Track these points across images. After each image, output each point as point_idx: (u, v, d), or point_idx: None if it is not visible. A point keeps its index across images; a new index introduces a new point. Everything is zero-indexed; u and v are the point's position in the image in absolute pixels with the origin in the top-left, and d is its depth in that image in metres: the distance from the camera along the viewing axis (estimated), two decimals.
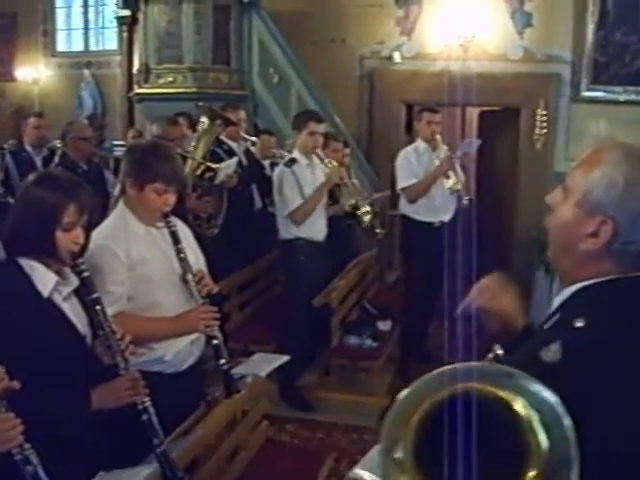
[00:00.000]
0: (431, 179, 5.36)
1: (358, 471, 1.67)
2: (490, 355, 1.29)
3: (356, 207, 5.34)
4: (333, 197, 5.36)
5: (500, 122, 8.38)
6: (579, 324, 1.25)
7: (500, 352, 1.28)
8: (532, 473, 1.09)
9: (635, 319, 1.26)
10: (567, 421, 1.09)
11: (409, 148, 5.66)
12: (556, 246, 1.42)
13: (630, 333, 1.24)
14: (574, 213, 1.35)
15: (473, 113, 9.73)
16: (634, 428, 1.17)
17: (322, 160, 4.99)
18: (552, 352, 1.23)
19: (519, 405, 1.12)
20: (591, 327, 1.24)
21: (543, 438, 1.10)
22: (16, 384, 1.77)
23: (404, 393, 1.20)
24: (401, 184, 5.46)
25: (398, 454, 1.17)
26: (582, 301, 1.33)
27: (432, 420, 1.17)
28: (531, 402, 1.12)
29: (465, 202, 5.38)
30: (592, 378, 1.19)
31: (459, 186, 5.36)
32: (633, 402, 1.19)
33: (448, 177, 5.37)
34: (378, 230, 5.65)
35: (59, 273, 2.31)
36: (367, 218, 5.33)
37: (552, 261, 1.46)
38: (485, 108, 8.74)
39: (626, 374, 1.19)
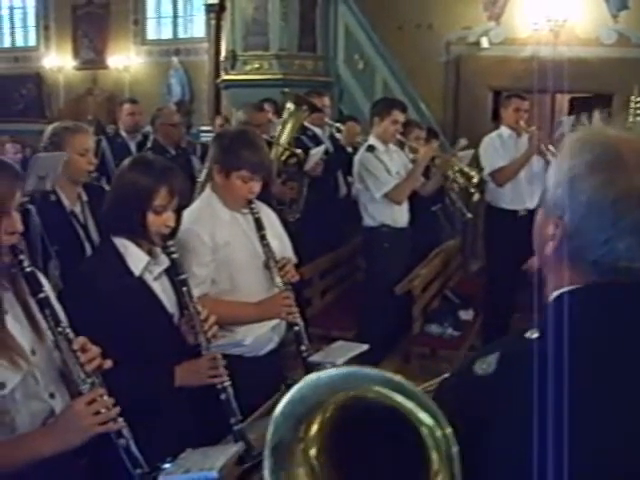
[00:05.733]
0: (522, 160, 5.25)
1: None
2: None
3: (462, 172, 5.26)
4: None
5: (591, 109, 8.12)
6: (533, 336, 1.12)
7: None
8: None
9: (586, 334, 1.09)
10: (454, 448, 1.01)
11: (493, 134, 5.57)
12: (536, 251, 1.25)
13: (579, 350, 1.07)
14: (541, 213, 1.22)
15: (563, 100, 9.47)
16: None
17: (404, 145, 4.97)
18: (486, 364, 1.13)
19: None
20: (541, 340, 1.10)
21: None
22: (109, 363, 1.83)
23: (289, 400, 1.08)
24: (489, 169, 5.37)
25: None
26: (546, 313, 1.16)
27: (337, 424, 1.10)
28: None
29: None
30: (517, 395, 1.07)
31: None
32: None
33: (548, 162, 5.26)
34: (465, 212, 5.59)
35: (150, 253, 2.39)
36: (475, 180, 5.22)
37: None
38: (576, 95, 8.49)
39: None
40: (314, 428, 1.10)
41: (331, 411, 1.09)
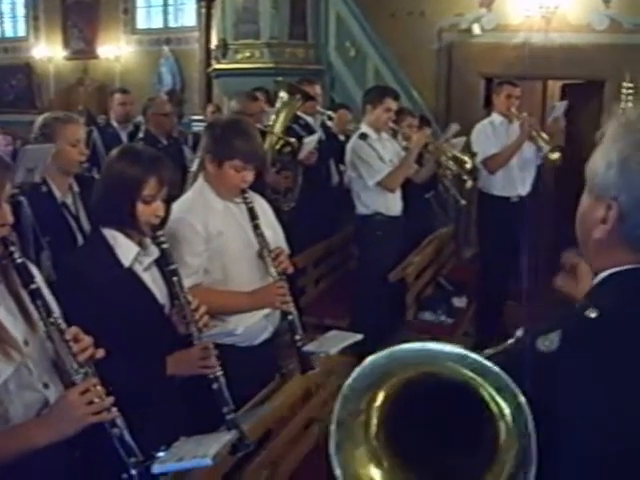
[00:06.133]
0: (514, 147, 5.25)
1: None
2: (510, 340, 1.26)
3: (456, 158, 5.26)
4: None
5: (583, 96, 8.12)
6: (592, 315, 1.15)
7: (519, 334, 1.25)
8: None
9: None
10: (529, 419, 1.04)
11: (484, 121, 5.58)
12: (579, 237, 1.30)
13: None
14: (587, 199, 1.26)
15: (555, 86, 9.46)
16: (615, 432, 1.10)
17: (396, 132, 4.97)
18: (549, 341, 1.15)
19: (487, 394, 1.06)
20: (602, 319, 1.14)
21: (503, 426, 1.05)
22: (101, 352, 1.83)
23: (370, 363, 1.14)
24: (481, 156, 5.37)
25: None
26: (601, 291, 1.22)
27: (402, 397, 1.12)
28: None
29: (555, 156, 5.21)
30: (585, 373, 1.11)
31: (555, 155, 5.21)
32: (621, 404, 1.10)
33: (540, 148, 5.26)
34: (458, 199, 5.60)
35: (140, 244, 2.38)
36: (468, 166, 5.23)
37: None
38: (567, 81, 8.48)
39: (624, 375, 1.11)
40: (378, 401, 1.12)
41: (396, 386, 1.11)
